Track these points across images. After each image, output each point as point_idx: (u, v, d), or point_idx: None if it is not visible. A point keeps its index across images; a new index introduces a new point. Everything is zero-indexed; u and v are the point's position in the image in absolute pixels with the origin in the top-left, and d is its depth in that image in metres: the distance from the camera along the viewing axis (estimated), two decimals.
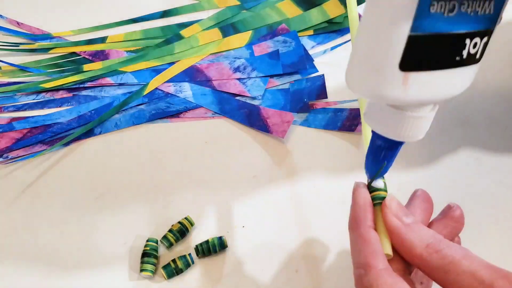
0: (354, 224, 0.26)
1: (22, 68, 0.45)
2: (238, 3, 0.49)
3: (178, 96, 0.42)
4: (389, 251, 0.25)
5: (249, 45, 0.46)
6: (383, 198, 0.26)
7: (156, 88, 0.43)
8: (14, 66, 0.45)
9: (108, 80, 0.44)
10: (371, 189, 0.26)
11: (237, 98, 0.42)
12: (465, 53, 0.21)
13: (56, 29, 0.49)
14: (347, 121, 0.39)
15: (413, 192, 0.28)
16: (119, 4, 0.51)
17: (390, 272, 0.24)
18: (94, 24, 0.49)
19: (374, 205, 0.26)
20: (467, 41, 0.20)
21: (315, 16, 0.47)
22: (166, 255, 0.33)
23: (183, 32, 0.47)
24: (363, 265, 0.24)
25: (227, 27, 0.47)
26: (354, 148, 0.38)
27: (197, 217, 0.35)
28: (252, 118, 0.40)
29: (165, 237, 0.33)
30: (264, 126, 0.39)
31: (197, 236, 0.34)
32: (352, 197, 0.27)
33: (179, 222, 0.34)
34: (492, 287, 0.21)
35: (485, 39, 0.21)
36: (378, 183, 0.26)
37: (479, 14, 0.20)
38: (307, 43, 0.46)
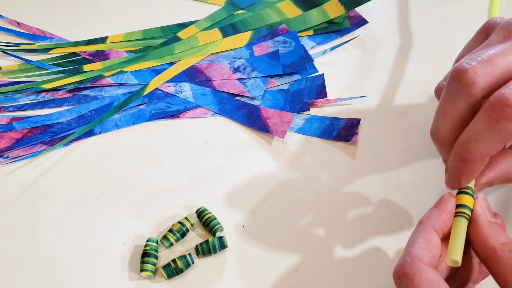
0: (425, 220, 0.27)
1: (38, 65, 0.45)
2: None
3: (178, 96, 0.42)
4: (459, 259, 0.25)
5: (249, 45, 0.46)
6: (467, 211, 0.27)
7: (156, 88, 0.43)
8: (30, 63, 0.45)
9: (108, 80, 0.44)
10: (458, 201, 0.28)
11: (237, 98, 0.42)
12: None
13: (56, 29, 0.49)
14: (343, 130, 0.39)
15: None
16: (120, 4, 0.51)
17: (435, 269, 0.25)
18: (94, 24, 0.49)
19: (456, 214, 0.27)
20: None
21: (315, 16, 0.47)
22: (166, 255, 0.33)
23: (181, 34, 0.47)
24: (413, 254, 0.25)
25: (227, 27, 0.47)
26: (353, 146, 0.38)
27: (197, 217, 0.35)
28: (252, 118, 0.40)
29: (165, 237, 0.33)
30: (264, 126, 0.39)
31: (197, 236, 0.34)
32: (438, 201, 0.28)
33: (179, 222, 0.34)
34: None
35: None
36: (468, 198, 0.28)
37: None
38: (307, 43, 0.46)
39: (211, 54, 0.45)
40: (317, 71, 0.43)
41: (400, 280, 0.25)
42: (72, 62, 0.46)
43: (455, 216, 0.27)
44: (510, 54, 0.26)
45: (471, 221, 0.27)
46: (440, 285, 0.24)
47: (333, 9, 0.47)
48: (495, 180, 0.28)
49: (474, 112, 0.27)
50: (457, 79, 0.26)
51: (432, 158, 0.37)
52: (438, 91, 0.32)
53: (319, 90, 0.42)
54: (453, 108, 0.27)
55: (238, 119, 0.41)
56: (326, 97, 0.41)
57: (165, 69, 0.44)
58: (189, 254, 0.32)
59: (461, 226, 0.27)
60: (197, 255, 0.33)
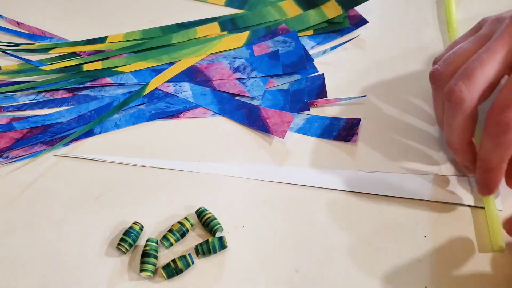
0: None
1: (38, 65, 0.45)
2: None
3: (178, 96, 0.42)
4: (502, 243, 0.31)
5: (249, 45, 0.46)
6: None
7: (156, 88, 0.43)
8: (30, 63, 0.45)
9: (108, 80, 0.44)
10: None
11: (237, 98, 0.42)
12: None
13: (56, 29, 0.49)
14: (343, 130, 0.39)
15: None
16: (120, 4, 0.51)
17: None
18: (94, 24, 0.49)
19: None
20: None
21: (313, 16, 0.47)
22: (166, 255, 0.33)
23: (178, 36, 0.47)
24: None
25: (226, 22, 0.47)
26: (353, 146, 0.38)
27: (197, 217, 0.35)
28: (252, 118, 0.40)
29: (165, 237, 0.33)
30: (264, 126, 0.39)
31: (197, 236, 0.34)
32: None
33: (179, 222, 0.34)
34: None
35: None
36: None
37: None
38: (307, 43, 0.46)
39: (211, 54, 0.45)
40: (317, 71, 0.43)
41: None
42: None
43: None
44: (486, 65, 0.31)
45: None
46: None
47: (331, 9, 0.47)
48: None
49: (475, 118, 0.32)
50: (449, 99, 0.32)
51: (432, 158, 0.37)
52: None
53: (319, 90, 0.42)
54: (455, 121, 0.32)
55: (238, 119, 0.41)
56: (326, 97, 0.41)
57: (164, 69, 0.44)
58: (189, 254, 0.32)
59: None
60: (197, 255, 0.33)
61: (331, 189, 0.36)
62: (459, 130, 0.33)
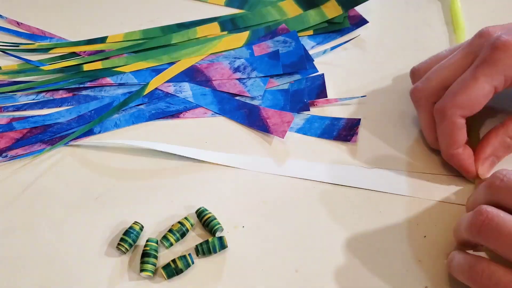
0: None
1: (38, 65, 0.45)
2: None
3: (178, 96, 0.42)
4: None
5: (249, 45, 0.46)
6: None
7: (156, 88, 0.43)
8: (30, 63, 0.45)
9: (108, 80, 0.44)
10: None
11: (237, 98, 0.42)
12: None
13: (56, 29, 0.49)
14: (343, 130, 0.39)
15: None
16: (120, 4, 0.51)
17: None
18: (94, 24, 0.49)
19: None
20: None
21: (313, 16, 0.47)
22: (166, 255, 0.33)
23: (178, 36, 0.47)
24: (484, 205, 0.28)
25: (226, 22, 0.47)
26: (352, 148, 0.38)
27: (197, 217, 0.35)
28: (252, 118, 0.40)
29: (165, 237, 0.33)
30: (264, 126, 0.39)
31: (197, 236, 0.34)
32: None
33: (179, 222, 0.34)
34: None
35: None
36: None
37: None
38: (307, 43, 0.46)
39: (211, 54, 0.45)
40: (317, 71, 0.43)
41: (484, 223, 0.27)
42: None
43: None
44: (443, 70, 0.35)
45: None
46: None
47: (331, 9, 0.47)
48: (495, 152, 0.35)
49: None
50: (411, 98, 0.37)
51: (432, 158, 0.37)
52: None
53: (319, 90, 0.42)
54: (422, 119, 0.37)
55: (238, 119, 0.41)
56: (326, 97, 0.41)
57: (164, 69, 0.44)
58: (189, 254, 0.32)
59: None
60: (197, 255, 0.33)
61: (332, 187, 0.36)
62: (427, 126, 0.36)
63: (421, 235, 0.33)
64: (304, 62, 0.43)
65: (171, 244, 0.33)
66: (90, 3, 0.52)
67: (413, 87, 0.37)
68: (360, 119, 0.39)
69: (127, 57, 0.46)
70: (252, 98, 0.42)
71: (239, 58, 0.45)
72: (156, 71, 0.44)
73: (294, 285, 0.31)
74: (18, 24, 0.49)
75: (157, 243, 0.33)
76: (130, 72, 0.44)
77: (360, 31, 0.46)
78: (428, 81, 0.35)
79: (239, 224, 0.34)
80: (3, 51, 0.47)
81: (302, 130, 0.40)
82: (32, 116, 0.41)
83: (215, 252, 0.33)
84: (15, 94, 0.43)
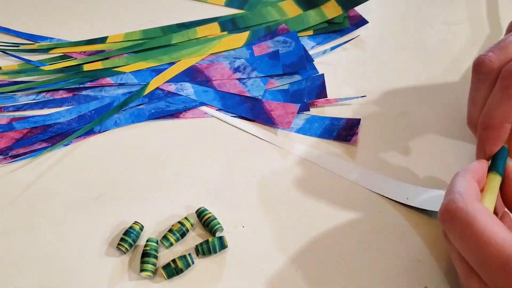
0: (463, 171, 0.29)
1: (38, 65, 0.45)
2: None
3: (179, 94, 0.42)
4: (492, 209, 0.28)
5: (249, 45, 0.46)
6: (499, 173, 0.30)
7: (157, 88, 0.43)
8: (30, 63, 0.45)
9: (108, 80, 0.44)
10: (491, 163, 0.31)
11: None
12: None
13: (56, 29, 0.49)
14: (343, 130, 0.39)
15: None
16: (120, 4, 0.51)
17: (482, 204, 0.26)
18: (94, 24, 0.49)
19: (490, 170, 0.30)
20: None
21: (313, 17, 0.47)
22: (166, 255, 0.33)
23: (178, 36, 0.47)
24: (460, 191, 0.26)
25: (226, 22, 0.47)
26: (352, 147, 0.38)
27: (197, 217, 0.35)
28: (256, 112, 0.40)
29: (165, 237, 0.33)
30: (269, 118, 0.39)
31: (197, 236, 0.34)
32: (468, 167, 0.30)
33: (179, 222, 0.34)
34: None
35: None
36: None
37: None
38: (307, 43, 0.46)
39: (211, 54, 0.45)
40: (317, 71, 0.43)
41: (451, 217, 0.25)
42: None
43: (488, 173, 0.30)
44: None
45: (507, 171, 0.30)
46: (493, 216, 0.25)
47: (331, 10, 0.47)
48: None
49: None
50: (477, 70, 0.30)
51: (432, 158, 0.37)
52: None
53: (319, 90, 0.42)
54: (479, 96, 0.30)
55: (242, 113, 0.40)
56: (326, 97, 0.41)
57: (165, 69, 0.44)
58: (189, 254, 0.32)
59: (495, 179, 0.29)
60: (197, 255, 0.33)
61: (332, 187, 0.36)
62: (482, 106, 0.30)
63: (421, 235, 0.33)
64: (304, 62, 0.43)
65: (171, 244, 0.33)
66: (90, 3, 0.52)
67: (486, 56, 0.30)
68: (360, 119, 0.39)
69: (127, 57, 0.46)
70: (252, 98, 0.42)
71: (239, 58, 0.45)
72: (156, 71, 0.44)
73: (294, 285, 0.31)
74: None
75: (157, 243, 0.33)
76: (130, 72, 0.44)
77: (360, 31, 0.46)
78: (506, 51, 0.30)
79: (239, 224, 0.34)
80: (3, 51, 0.47)
81: (302, 130, 0.40)
82: (32, 116, 0.41)
83: (215, 252, 0.33)
84: (16, 94, 0.43)
